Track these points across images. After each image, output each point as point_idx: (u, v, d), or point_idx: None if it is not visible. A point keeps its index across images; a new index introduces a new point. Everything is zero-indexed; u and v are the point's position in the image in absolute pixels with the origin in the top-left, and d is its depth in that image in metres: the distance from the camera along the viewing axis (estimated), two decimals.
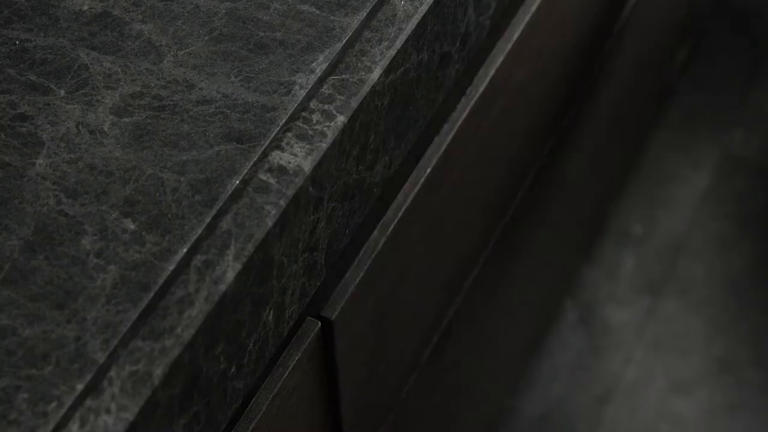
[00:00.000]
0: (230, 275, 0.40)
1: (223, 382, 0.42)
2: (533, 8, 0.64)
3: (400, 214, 0.55)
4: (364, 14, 0.47)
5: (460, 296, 0.73)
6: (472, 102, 0.59)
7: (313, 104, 0.44)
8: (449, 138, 0.58)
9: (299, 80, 0.45)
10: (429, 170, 0.57)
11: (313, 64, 0.45)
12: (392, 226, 0.55)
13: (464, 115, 0.59)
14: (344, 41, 0.46)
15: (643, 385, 1.21)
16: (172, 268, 0.40)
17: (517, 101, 0.67)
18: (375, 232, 0.55)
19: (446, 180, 0.60)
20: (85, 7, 0.48)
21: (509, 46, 0.62)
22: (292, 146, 0.43)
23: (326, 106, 0.44)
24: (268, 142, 0.43)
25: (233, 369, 0.42)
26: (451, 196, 0.62)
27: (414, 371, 0.68)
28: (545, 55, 0.70)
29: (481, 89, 0.60)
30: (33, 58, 0.46)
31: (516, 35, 0.62)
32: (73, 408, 0.36)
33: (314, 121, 0.44)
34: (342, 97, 0.45)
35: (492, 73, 0.60)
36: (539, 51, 0.68)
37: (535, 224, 0.87)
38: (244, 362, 0.43)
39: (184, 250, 0.40)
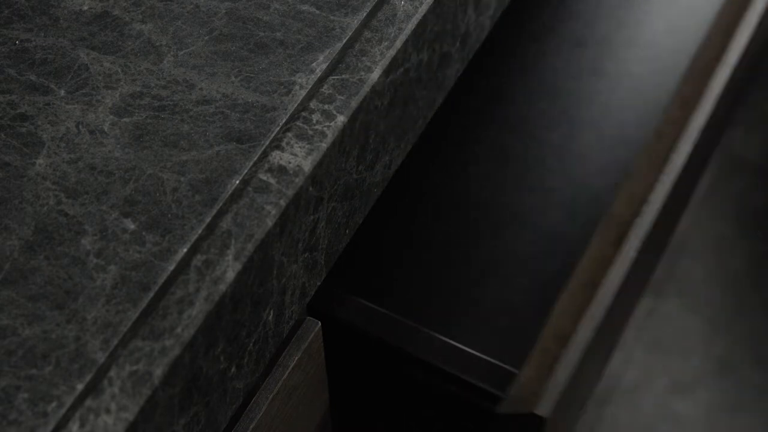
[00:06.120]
0: (230, 275, 0.40)
1: (223, 382, 0.42)
2: (727, 76, 0.64)
3: (606, 302, 0.56)
4: (364, 14, 0.47)
5: None
6: (672, 179, 0.60)
7: (313, 104, 0.44)
8: (651, 220, 0.59)
9: (299, 80, 0.45)
10: (633, 253, 0.57)
11: (313, 64, 0.45)
12: (602, 314, 0.55)
13: (664, 194, 0.59)
14: (344, 41, 0.46)
15: (643, 385, 1.21)
16: (172, 268, 0.40)
17: (695, 170, 0.68)
18: (582, 322, 0.55)
19: (646, 258, 0.61)
20: (85, 7, 0.48)
21: (703, 121, 0.62)
22: (292, 146, 0.43)
23: (326, 106, 0.44)
24: (268, 142, 0.43)
25: (233, 369, 0.42)
26: (641, 271, 0.63)
27: None
28: (721, 118, 0.71)
29: (680, 165, 0.60)
30: (33, 58, 0.46)
31: (709, 108, 0.63)
32: (73, 408, 0.36)
33: (314, 121, 0.44)
34: (342, 97, 0.45)
35: (689, 149, 0.61)
36: (722, 116, 0.69)
37: None
38: (244, 362, 0.43)
39: (184, 250, 0.40)
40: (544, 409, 0.52)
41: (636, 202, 0.59)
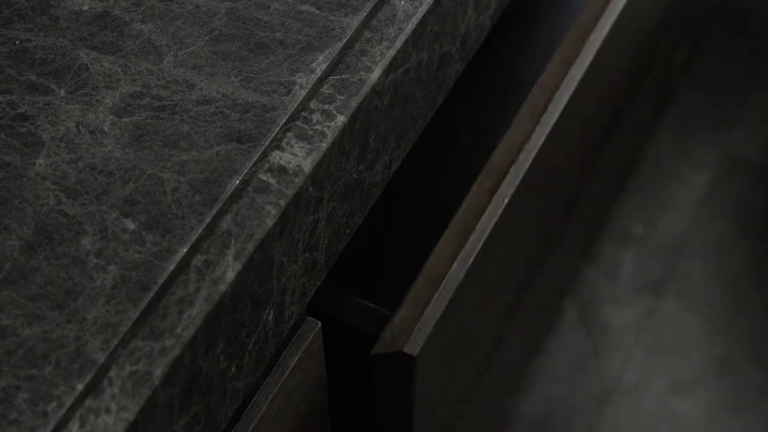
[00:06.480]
0: (230, 275, 0.40)
1: (223, 382, 0.42)
2: (605, 33, 0.66)
3: (479, 246, 0.56)
4: (364, 14, 0.47)
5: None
6: (548, 129, 0.61)
7: (313, 104, 0.44)
8: (526, 167, 0.59)
9: (299, 80, 0.45)
10: (507, 200, 0.58)
11: (313, 64, 0.45)
12: (473, 258, 0.56)
13: (540, 143, 0.60)
14: (344, 41, 0.46)
15: (643, 385, 1.21)
16: (172, 268, 0.40)
17: (575, 125, 0.69)
18: (455, 265, 0.56)
19: (522, 208, 0.62)
20: (85, 7, 0.48)
21: (580, 75, 0.63)
22: (292, 146, 0.43)
23: (326, 106, 0.44)
24: (268, 142, 0.43)
25: (233, 369, 0.42)
26: (521, 222, 0.64)
27: None
28: (605, 78, 0.72)
29: (556, 116, 0.61)
30: (33, 58, 0.46)
31: (587, 63, 0.64)
32: (73, 408, 0.36)
33: (314, 121, 0.44)
34: (342, 97, 0.45)
35: (566, 100, 0.62)
36: (604, 75, 0.70)
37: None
38: (244, 362, 0.43)
39: (184, 250, 0.40)
40: (412, 347, 0.53)
41: (514, 151, 0.61)
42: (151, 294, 0.39)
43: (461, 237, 0.57)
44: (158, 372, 0.37)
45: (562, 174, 0.73)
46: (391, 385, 0.55)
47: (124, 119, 0.44)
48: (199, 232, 0.41)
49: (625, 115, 1.07)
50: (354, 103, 0.45)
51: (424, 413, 0.59)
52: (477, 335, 0.66)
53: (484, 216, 0.58)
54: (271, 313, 0.43)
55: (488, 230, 0.57)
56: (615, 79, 0.82)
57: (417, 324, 0.54)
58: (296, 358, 0.50)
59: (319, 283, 0.47)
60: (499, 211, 0.58)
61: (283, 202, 0.42)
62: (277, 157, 0.43)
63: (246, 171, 0.42)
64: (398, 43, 0.47)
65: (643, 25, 0.89)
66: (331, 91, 0.45)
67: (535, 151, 0.60)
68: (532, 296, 0.99)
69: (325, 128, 0.44)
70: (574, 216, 1.00)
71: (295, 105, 0.44)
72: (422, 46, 0.49)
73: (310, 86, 0.45)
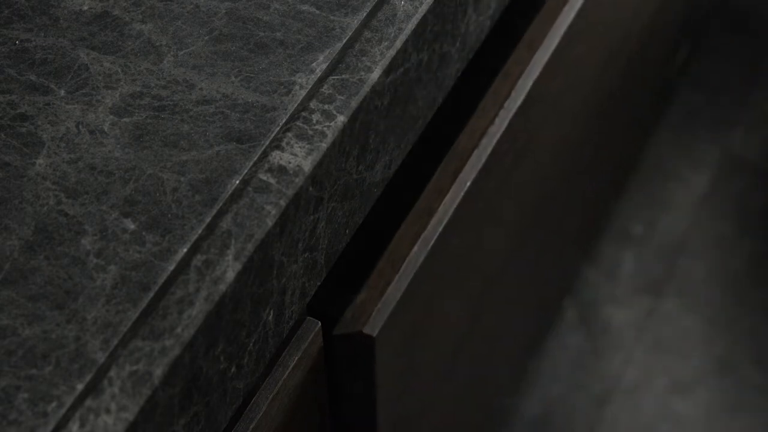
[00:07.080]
0: (230, 275, 0.40)
1: (223, 382, 0.42)
2: (570, 19, 0.66)
3: (440, 228, 0.56)
4: (364, 14, 0.47)
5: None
6: (510, 114, 0.61)
7: (313, 104, 0.44)
8: (488, 151, 0.59)
9: (299, 80, 0.45)
10: (469, 183, 0.58)
11: (313, 64, 0.45)
12: (434, 240, 0.56)
13: (503, 128, 0.60)
14: (344, 41, 0.46)
15: (643, 385, 1.21)
16: (172, 268, 0.40)
17: (550, 112, 0.69)
18: (415, 247, 0.56)
19: (488, 193, 0.62)
20: (85, 7, 0.48)
21: (546, 58, 0.63)
22: (292, 146, 0.43)
23: (326, 106, 0.44)
24: (268, 142, 0.43)
25: (233, 369, 0.42)
26: (490, 209, 0.64)
27: None
28: (578, 65, 0.72)
29: (519, 102, 0.61)
30: (33, 58, 0.46)
31: (553, 46, 0.64)
32: (73, 408, 0.36)
33: (314, 121, 0.44)
34: (342, 97, 0.45)
35: (530, 85, 0.62)
36: (573, 61, 0.70)
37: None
38: (244, 362, 0.43)
39: (184, 250, 0.40)
40: (371, 328, 0.53)
41: (477, 135, 0.61)
42: (151, 294, 0.39)
43: (423, 219, 0.57)
44: (158, 372, 0.37)
45: (543, 165, 0.73)
46: (352, 366, 0.56)
47: (124, 119, 0.44)
48: (199, 232, 0.41)
49: (624, 114, 1.07)
50: (354, 103, 0.45)
51: (388, 396, 0.59)
52: (450, 321, 0.66)
53: (446, 198, 0.58)
54: (271, 313, 0.43)
55: (450, 212, 0.58)
56: (605, 75, 0.82)
57: (377, 305, 0.54)
58: (296, 358, 0.50)
59: (319, 283, 0.47)
60: (462, 194, 0.58)
61: (283, 202, 0.42)
62: (277, 157, 0.43)
63: (246, 171, 0.42)
64: (398, 43, 0.47)
65: (638, 21, 0.89)
66: (331, 91, 0.45)
67: (498, 135, 0.61)
68: (531, 295, 0.99)
69: (325, 128, 0.44)
70: (572, 215, 1.00)
71: (295, 105, 0.44)
72: (422, 46, 0.49)
73: (310, 86, 0.45)
